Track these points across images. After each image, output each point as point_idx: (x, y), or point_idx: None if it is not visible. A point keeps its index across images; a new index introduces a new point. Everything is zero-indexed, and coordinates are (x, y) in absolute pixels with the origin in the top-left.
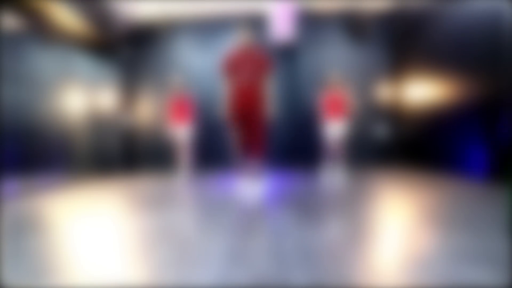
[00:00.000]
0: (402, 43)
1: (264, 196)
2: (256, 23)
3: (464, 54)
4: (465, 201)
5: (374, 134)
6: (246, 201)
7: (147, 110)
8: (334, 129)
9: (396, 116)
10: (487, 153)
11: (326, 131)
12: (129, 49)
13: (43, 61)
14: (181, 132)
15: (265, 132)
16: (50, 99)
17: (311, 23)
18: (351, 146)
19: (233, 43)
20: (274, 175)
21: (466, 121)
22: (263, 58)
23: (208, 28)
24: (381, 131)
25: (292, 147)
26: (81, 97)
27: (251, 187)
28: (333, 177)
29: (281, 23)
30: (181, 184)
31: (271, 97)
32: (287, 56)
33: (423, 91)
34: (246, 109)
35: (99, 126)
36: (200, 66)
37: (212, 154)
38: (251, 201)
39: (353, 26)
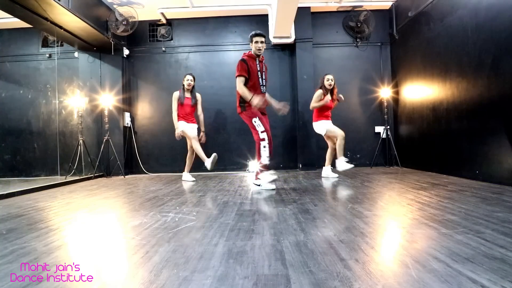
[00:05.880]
0: (402, 42)
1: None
2: (256, 23)
3: (464, 54)
4: (467, 201)
5: (374, 134)
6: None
7: (147, 110)
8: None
9: (396, 116)
10: (486, 153)
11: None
12: (129, 49)
13: (43, 61)
14: (187, 131)
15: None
16: (49, 98)
17: (312, 23)
18: (352, 146)
19: (247, 54)
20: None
21: (467, 121)
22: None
23: (208, 27)
24: (381, 131)
25: (292, 146)
26: (80, 97)
27: (269, 177)
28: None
29: (281, 23)
30: (184, 183)
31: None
32: (287, 56)
33: (423, 91)
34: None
35: (99, 126)
36: (200, 66)
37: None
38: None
39: (353, 26)
